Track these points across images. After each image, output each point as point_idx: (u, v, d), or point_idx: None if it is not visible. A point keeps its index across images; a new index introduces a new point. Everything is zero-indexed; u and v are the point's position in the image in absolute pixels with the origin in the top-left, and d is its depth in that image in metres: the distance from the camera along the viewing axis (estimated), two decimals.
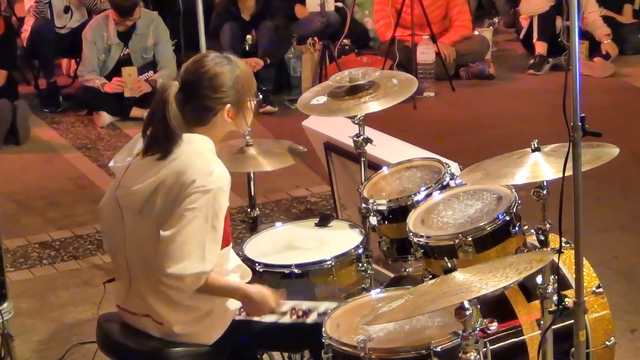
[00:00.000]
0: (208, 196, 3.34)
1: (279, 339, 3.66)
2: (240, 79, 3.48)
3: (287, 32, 8.65)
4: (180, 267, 3.33)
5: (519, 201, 3.72)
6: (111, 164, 3.62)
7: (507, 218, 3.66)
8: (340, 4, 9.52)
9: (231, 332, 3.56)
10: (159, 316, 3.49)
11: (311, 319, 3.61)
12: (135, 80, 8.05)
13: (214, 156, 3.45)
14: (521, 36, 9.54)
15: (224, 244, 3.50)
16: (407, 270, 4.17)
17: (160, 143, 3.42)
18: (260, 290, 3.53)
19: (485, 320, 3.18)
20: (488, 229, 3.65)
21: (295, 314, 3.62)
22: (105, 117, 8.07)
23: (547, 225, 3.68)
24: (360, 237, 4.04)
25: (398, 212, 4.00)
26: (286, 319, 3.62)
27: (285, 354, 4.12)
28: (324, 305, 3.61)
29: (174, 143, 3.41)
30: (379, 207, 4.04)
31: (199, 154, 3.41)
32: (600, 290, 3.98)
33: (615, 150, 3.63)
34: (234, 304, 3.57)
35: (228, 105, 3.47)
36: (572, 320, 3.51)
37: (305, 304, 3.64)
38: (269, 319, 3.60)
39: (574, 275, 3.53)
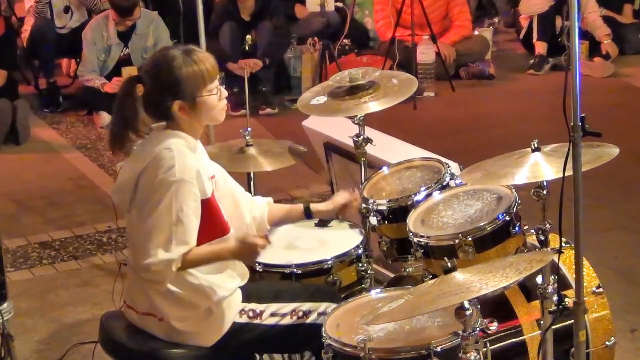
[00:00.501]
0: (171, 190, 3.38)
1: (280, 340, 3.66)
2: (187, 74, 3.44)
3: (287, 32, 8.64)
4: (148, 261, 3.38)
5: (519, 201, 3.72)
6: (118, 165, 3.70)
7: (507, 218, 3.66)
8: (340, 4, 9.52)
9: (231, 335, 3.56)
10: (158, 311, 3.49)
11: (311, 319, 3.63)
12: None
13: (183, 149, 3.46)
14: (521, 36, 9.54)
15: (221, 233, 3.54)
16: (407, 270, 4.17)
17: (120, 134, 3.53)
18: (242, 240, 3.54)
19: (485, 320, 3.18)
20: (488, 229, 3.64)
21: (295, 315, 3.63)
22: (105, 117, 8.07)
23: (547, 225, 3.67)
24: (360, 237, 4.04)
25: (398, 212, 4.00)
26: (287, 321, 3.63)
27: (286, 355, 4.12)
28: (323, 305, 3.62)
29: (122, 139, 3.50)
30: (379, 207, 4.04)
31: (167, 150, 3.43)
32: (600, 290, 3.98)
33: (615, 150, 3.63)
34: (234, 307, 3.57)
35: (177, 102, 3.46)
36: (572, 320, 3.51)
37: (305, 305, 3.64)
38: (269, 321, 3.61)
39: (574, 275, 3.52)
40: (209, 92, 3.48)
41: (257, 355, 3.93)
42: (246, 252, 3.54)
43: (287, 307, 3.64)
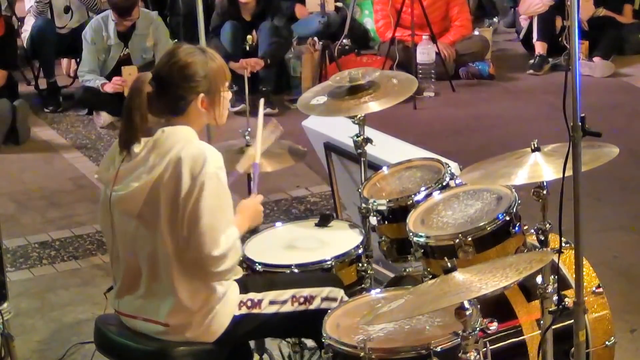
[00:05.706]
0: (211, 181, 3.36)
1: (283, 328, 3.67)
2: (213, 69, 3.49)
3: (287, 32, 8.64)
4: (222, 247, 3.38)
5: (519, 201, 3.72)
6: (96, 176, 3.66)
7: (507, 218, 3.67)
8: (340, 4, 9.52)
9: (232, 328, 3.55)
10: (162, 318, 3.48)
11: (315, 304, 3.63)
12: None
13: (200, 142, 3.46)
14: (521, 36, 9.54)
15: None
16: (407, 270, 4.17)
17: (129, 133, 3.43)
18: (243, 208, 3.66)
19: (485, 320, 3.18)
20: (488, 229, 3.65)
21: (296, 302, 3.63)
22: (105, 117, 8.07)
23: (547, 225, 3.67)
24: (360, 237, 4.04)
25: (398, 212, 4.00)
26: (287, 308, 3.62)
27: (286, 353, 4.13)
28: (326, 290, 3.62)
29: (140, 132, 3.41)
30: (379, 207, 4.04)
31: (188, 143, 3.40)
32: (600, 290, 3.98)
33: (615, 150, 3.63)
34: (233, 301, 3.57)
35: (201, 95, 3.47)
36: (572, 320, 3.51)
37: (305, 291, 3.64)
38: (269, 310, 3.61)
39: (574, 275, 3.53)
40: (226, 89, 3.54)
41: (257, 354, 3.94)
42: (252, 214, 3.68)
43: (286, 293, 3.63)
